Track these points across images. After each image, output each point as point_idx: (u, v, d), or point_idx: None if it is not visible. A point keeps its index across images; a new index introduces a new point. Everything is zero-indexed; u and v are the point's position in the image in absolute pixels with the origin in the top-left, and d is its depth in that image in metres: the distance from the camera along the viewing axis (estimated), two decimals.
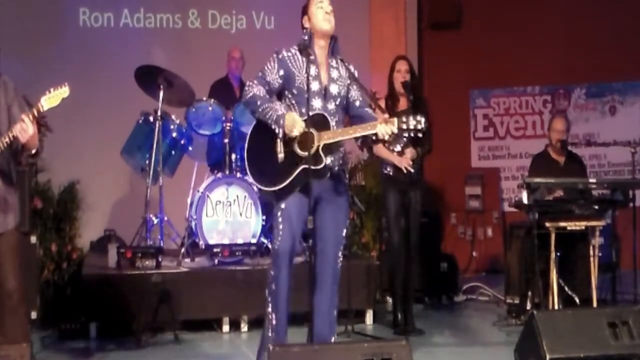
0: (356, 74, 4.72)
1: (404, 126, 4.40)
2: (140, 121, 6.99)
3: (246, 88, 4.63)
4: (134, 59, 7.30)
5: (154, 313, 6.12)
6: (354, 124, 4.64)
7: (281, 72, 4.57)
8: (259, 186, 4.64)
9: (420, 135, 4.52)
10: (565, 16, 9.22)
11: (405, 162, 6.19)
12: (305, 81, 4.49)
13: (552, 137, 6.93)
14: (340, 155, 4.65)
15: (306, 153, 4.44)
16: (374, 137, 4.47)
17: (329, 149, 4.52)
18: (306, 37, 4.63)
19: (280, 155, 4.50)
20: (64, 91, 4.43)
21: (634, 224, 6.55)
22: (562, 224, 6.24)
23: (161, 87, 6.76)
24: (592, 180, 6.53)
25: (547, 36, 9.17)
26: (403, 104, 6.37)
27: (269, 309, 4.61)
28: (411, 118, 4.41)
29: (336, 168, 4.61)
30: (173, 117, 7.00)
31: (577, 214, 6.26)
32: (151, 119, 6.86)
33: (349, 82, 4.70)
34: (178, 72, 6.88)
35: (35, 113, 4.40)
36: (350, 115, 4.77)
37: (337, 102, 4.64)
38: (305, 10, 4.69)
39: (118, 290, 6.18)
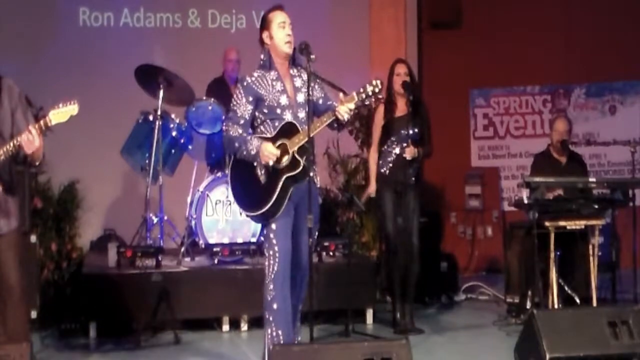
0: (314, 72, 4.75)
1: (363, 95, 4.63)
2: (140, 120, 6.99)
3: (223, 131, 4.84)
4: (134, 59, 7.29)
5: (154, 313, 6.12)
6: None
7: (250, 99, 4.71)
8: (251, 214, 4.77)
9: (379, 97, 4.84)
10: (565, 16, 9.22)
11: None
12: (273, 99, 4.69)
13: (553, 138, 6.98)
14: (311, 157, 4.74)
15: (283, 163, 4.64)
16: (336, 124, 4.71)
17: (302, 150, 4.66)
18: (265, 57, 4.76)
19: (262, 177, 4.67)
20: (72, 109, 4.49)
21: (634, 223, 6.55)
22: (562, 223, 6.24)
23: (161, 86, 6.76)
24: (592, 179, 6.53)
25: (547, 36, 9.17)
26: (402, 108, 6.38)
27: (272, 330, 4.62)
28: (367, 85, 4.63)
29: (310, 169, 4.69)
30: (173, 116, 7.00)
31: (576, 213, 6.26)
32: (151, 118, 6.86)
33: (312, 84, 4.76)
34: (178, 72, 6.88)
35: (43, 126, 4.41)
36: (317, 116, 4.87)
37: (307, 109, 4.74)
38: (265, 25, 4.77)
39: (118, 290, 6.18)
